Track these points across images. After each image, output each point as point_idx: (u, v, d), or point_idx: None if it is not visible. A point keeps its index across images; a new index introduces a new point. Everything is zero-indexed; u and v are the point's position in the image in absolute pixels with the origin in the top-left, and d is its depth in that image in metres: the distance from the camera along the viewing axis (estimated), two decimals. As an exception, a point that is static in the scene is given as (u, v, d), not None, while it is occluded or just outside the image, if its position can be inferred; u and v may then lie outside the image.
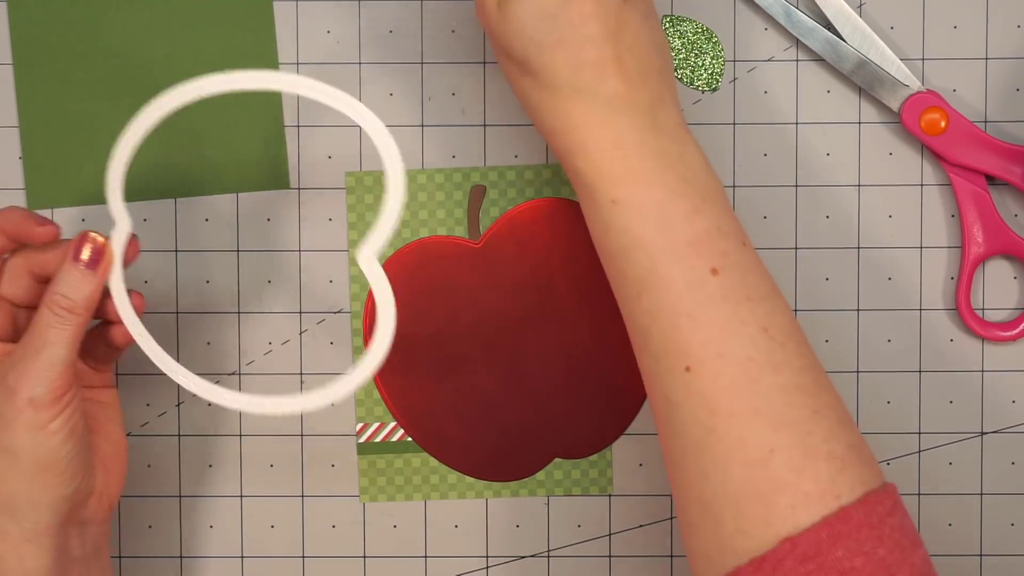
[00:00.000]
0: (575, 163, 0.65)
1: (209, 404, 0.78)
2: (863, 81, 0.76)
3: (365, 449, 0.78)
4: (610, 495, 0.78)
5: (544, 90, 0.65)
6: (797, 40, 0.77)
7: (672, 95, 0.67)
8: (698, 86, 0.77)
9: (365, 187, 0.77)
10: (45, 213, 0.77)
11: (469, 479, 0.78)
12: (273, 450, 0.78)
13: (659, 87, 0.66)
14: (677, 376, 0.63)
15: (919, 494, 0.78)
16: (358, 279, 0.77)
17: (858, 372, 0.77)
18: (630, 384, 0.77)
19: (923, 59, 0.77)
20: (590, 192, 0.65)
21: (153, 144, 0.77)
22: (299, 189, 0.77)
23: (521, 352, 0.77)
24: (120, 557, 0.78)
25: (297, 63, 0.77)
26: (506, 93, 0.77)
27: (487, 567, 0.78)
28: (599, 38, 0.65)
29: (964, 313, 0.76)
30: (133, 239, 0.68)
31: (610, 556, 0.78)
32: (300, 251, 0.78)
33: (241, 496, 0.78)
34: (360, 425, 0.78)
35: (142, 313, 0.69)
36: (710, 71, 0.77)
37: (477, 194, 0.77)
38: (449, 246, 0.77)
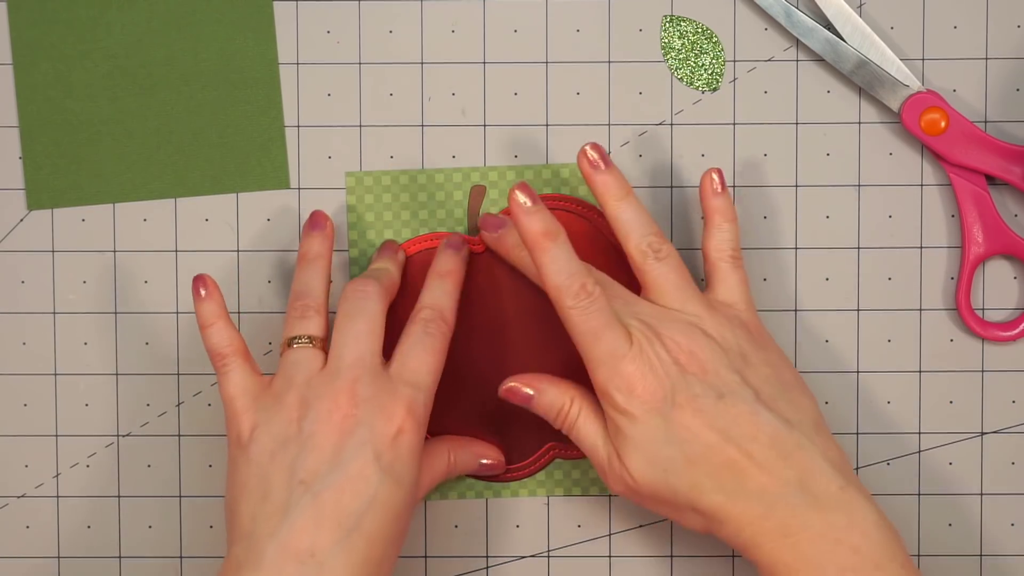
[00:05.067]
0: (753, 555, 0.67)
1: (209, 404, 0.78)
2: (863, 81, 0.76)
3: (365, 449, 0.78)
4: (610, 495, 0.78)
5: (701, 508, 0.67)
6: (797, 40, 0.77)
7: (822, 452, 0.67)
8: (698, 86, 0.77)
9: (365, 187, 0.77)
10: (45, 213, 0.78)
11: (469, 479, 0.78)
12: (273, 450, 0.78)
13: (802, 459, 0.67)
14: None
15: (919, 494, 0.78)
16: (358, 279, 0.77)
17: (858, 372, 0.77)
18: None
19: (923, 59, 0.77)
20: None
21: (153, 144, 0.78)
22: (299, 189, 0.78)
23: (521, 352, 0.77)
24: (120, 557, 0.78)
25: (297, 63, 0.77)
26: (506, 93, 0.77)
27: (487, 567, 0.78)
28: (716, 442, 0.67)
29: (964, 313, 0.76)
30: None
31: (610, 556, 0.78)
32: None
33: (241, 496, 0.78)
34: (360, 425, 0.78)
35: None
36: (710, 71, 0.77)
37: (477, 194, 0.77)
38: (449, 246, 0.77)
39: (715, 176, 0.72)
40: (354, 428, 0.68)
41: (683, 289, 0.70)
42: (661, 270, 0.70)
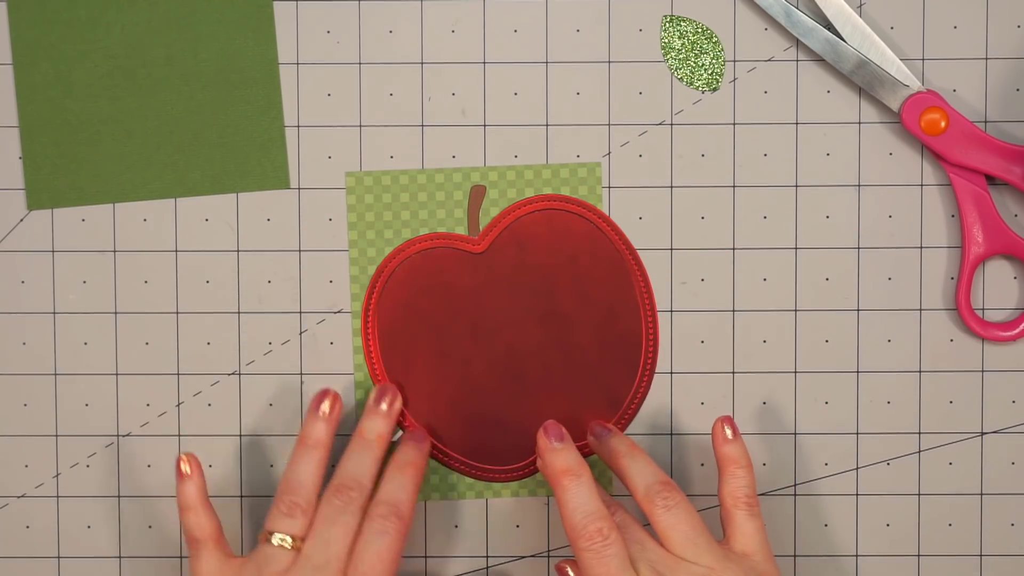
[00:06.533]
0: None
1: (209, 404, 0.78)
2: (863, 81, 0.76)
3: (365, 449, 0.78)
4: (610, 495, 0.78)
5: None
6: (797, 40, 0.77)
7: None
8: (698, 86, 0.77)
9: (365, 187, 0.77)
10: (45, 213, 0.78)
11: (469, 479, 0.78)
12: (273, 450, 0.78)
13: None
14: None
15: (919, 494, 0.78)
16: (358, 279, 0.77)
17: (858, 372, 0.77)
18: (628, 384, 0.77)
19: (923, 59, 0.77)
20: None
21: (153, 144, 0.78)
22: (299, 189, 0.77)
23: (521, 352, 0.77)
24: (120, 557, 0.78)
25: (297, 63, 0.77)
26: (506, 93, 0.77)
27: (487, 567, 0.78)
28: None
29: (964, 313, 0.76)
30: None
31: (610, 556, 0.78)
32: (300, 251, 0.78)
33: (241, 496, 0.78)
34: (360, 425, 0.78)
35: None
36: (710, 71, 0.77)
37: (477, 194, 0.77)
38: (449, 246, 0.77)
39: (726, 426, 0.73)
40: None
41: (694, 540, 0.70)
42: (670, 521, 0.70)
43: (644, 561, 0.69)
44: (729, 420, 0.73)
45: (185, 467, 0.73)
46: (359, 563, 0.71)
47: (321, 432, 0.74)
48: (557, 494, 0.70)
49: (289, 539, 0.71)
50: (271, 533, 0.72)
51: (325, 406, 0.74)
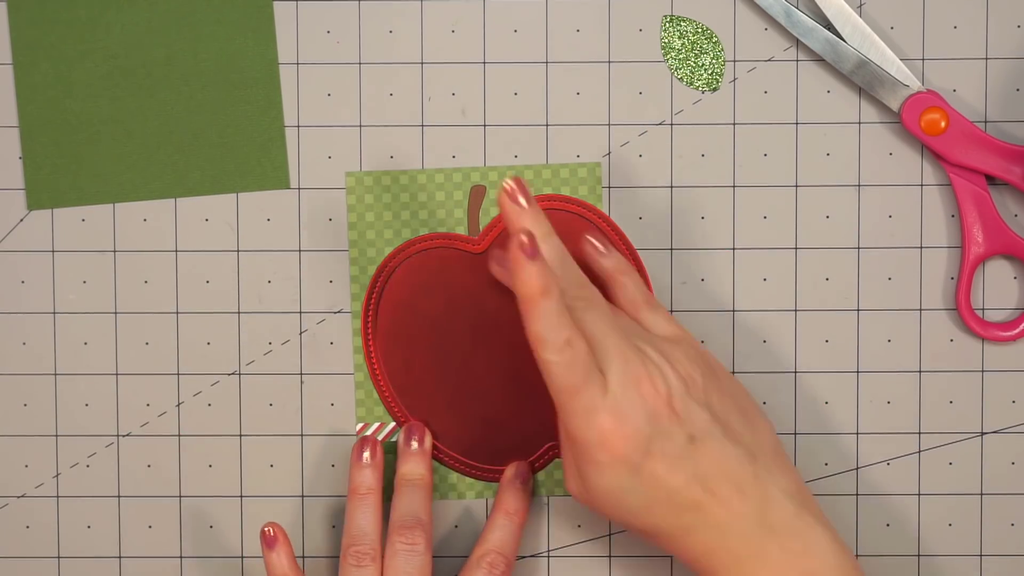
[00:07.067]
0: None
1: (209, 404, 0.78)
2: (863, 81, 0.76)
3: (365, 449, 0.78)
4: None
5: (658, 538, 0.68)
6: (797, 40, 0.77)
7: (778, 480, 0.68)
8: (698, 86, 0.77)
9: (365, 187, 0.77)
10: (45, 213, 0.78)
11: (469, 479, 0.78)
12: (273, 450, 0.78)
13: (758, 489, 0.67)
14: None
15: (919, 494, 0.78)
16: (358, 279, 0.77)
17: (858, 372, 0.77)
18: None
19: (923, 59, 0.77)
20: None
21: (153, 144, 0.78)
22: (299, 189, 0.78)
23: (521, 351, 0.77)
24: (120, 557, 0.78)
25: (297, 63, 0.77)
26: (506, 93, 0.77)
27: (487, 567, 0.78)
28: (683, 486, 0.67)
29: (964, 313, 0.76)
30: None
31: (610, 556, 0.78)
32: (300, 251, 0.78)
33: (241, 496, 0.78)
34: (360, 425, 0.78)
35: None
36: (710, 71, 0.77)
37: (477, 194, 0.77)
38: (449, 246, 0.77)
39: (594, 241, 0.73)
40: None
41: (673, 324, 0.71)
42: (653, 319, 0.72)
43: (634, 332, 0.69)
44: (595, 237, 0.74)
45: (274, 541, 0.74)
46: None
47: (369, 478, 0.75)
48: (525, 310, 0.67)
49: None
50: None
51: (367, 454, 0.75)
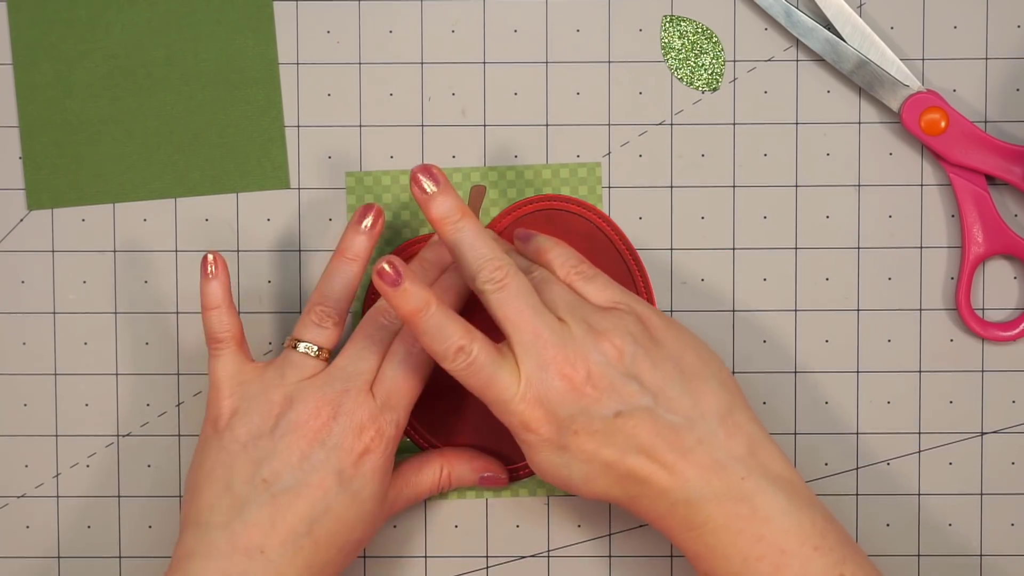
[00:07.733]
0: (671, 541, 0.70)
1: (209, 404, 0.78)
2: (863, 81, 0.76)
3: (365, 449, 0.78)
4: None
5: (619, 505, 0.70)
6: (797, 40, 0.77)
7: (723, 444, 0.68)
8: (698, 86, 0.77)
9: (365, 187, 0.77)
10: (45, 213, 0.78)
11: (469, 479, 0.78)
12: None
13: (702, 455, 0.68)
14: None
15: (919, 494, 0.78)
16: (358, 279, 0.77)
17: (858, 372, 0.77)
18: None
19: (923, 59, 0.77)
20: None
21: (153, 144, 0.78)
22: (299, 189, 0.78)
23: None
24: (120, 557, 0.78)
25: (297, 63, 0.77)
26: (506, 93, 0.77)
27: (487, 567, 0.78)
28: (617, 458, 0.67)
29: (964, 313, 0.76)
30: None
31: (610, 556, 0.78)
32: (300, 251, 0.78)
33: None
34: (360, 425, 0.78)
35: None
36: (710, 71, 0.77)
37: (477, 194, 0.77)
38: (449, 246, 0.77)
39: (523, 229, 0.74)
40: (325, 439, 0.70)
41: (619, 297, 0.71)
42: (590, 288, 0.71)
43: (563, 304, 0.69)
44: (524, 230, 0.74)
45: (211, 267, 0.72)
46: (388, 381, 0.71)
47: (360, 246, 0.73)
48: (413, 325, 0.67)
49: (315, 348, 0.72)
50: (298, 341, 0.72)
51: (368, 220, 0.73)
